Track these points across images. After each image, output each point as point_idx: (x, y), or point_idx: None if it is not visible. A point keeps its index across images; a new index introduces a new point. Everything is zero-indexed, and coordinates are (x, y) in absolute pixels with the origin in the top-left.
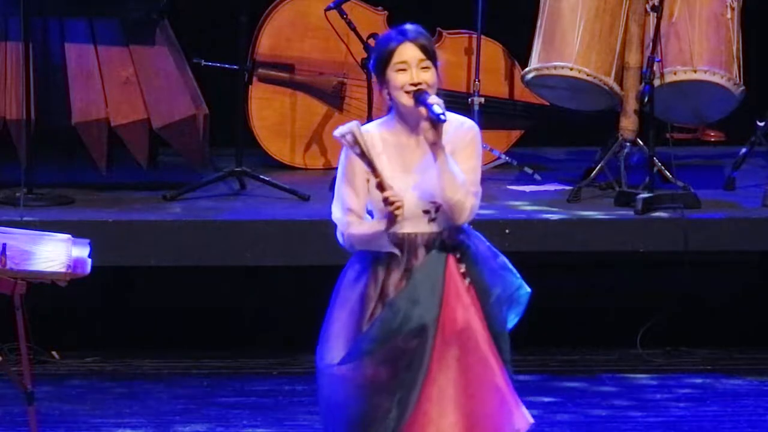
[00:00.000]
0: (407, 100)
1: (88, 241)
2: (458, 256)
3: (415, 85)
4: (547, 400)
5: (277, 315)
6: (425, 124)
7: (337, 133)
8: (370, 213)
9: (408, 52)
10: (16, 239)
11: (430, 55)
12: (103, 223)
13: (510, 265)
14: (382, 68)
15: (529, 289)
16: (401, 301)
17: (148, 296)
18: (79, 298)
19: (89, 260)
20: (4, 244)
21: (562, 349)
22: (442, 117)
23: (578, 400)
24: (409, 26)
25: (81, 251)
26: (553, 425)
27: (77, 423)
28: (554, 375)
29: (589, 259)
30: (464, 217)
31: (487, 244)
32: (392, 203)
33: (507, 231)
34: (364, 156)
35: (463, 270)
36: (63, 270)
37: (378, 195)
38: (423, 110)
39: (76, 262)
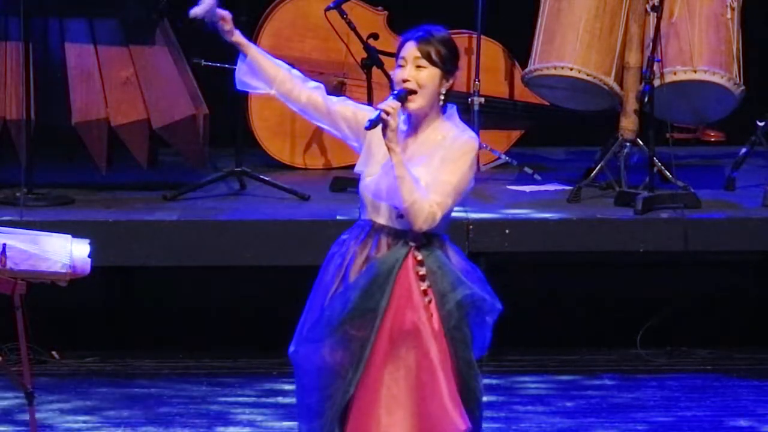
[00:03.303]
0: None
1: (88, 241)
2: (420, 258)
3: (405, 81)
4: (547, 400)
5: (276, 315)
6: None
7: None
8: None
9: (408, 50)
10: (16, 239)
11: (430, 57)
12: (103, 223)
13: (485, 282)
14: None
15: (500, 306)
16: (351, 291)
17: (148, 296)
18: (79, 298)
19: (89, 260)
20: (4, 244)
21: (562, 349)
22: (367, 122)
23: (578, 401)
24: (429, 27)
25: (81, 251)
26: (553, 425)
27: (77, 423)
28: (554, 375)
29: (589, 259)
30: (420, 222)
31: (464, 257)
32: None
33: (507, 231)
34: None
35: (423, 272)
36: (63, 270)
37: (362, 190)
38: None
39: (76, 262)
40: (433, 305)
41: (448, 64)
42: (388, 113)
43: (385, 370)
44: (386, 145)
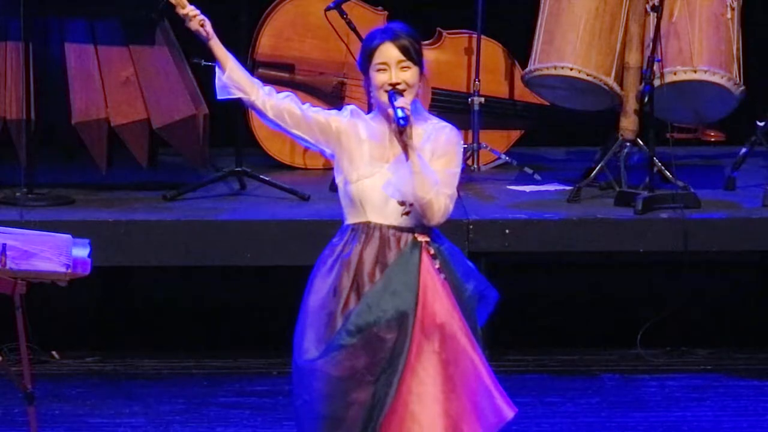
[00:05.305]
0: (384, 99)
1: (88, 241)
2: (432, 252)
3: (393, 85)
4: (547, 400)
5: (276, 315)
6: (394, 125)
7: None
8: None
9: (388, 53)
10: (16, 239)
11: (410, 55)
12: (103, 223)
13: (479, 273)
14: (365, 67)
15: (497, 295)
16: (376, 293)
17: (148, 296)
18: (79, 298)
19: (89, 260)
20: (4, 244)
21: (562, 349)
22: (401, 121)
23: (578, 400)
24: (394, 25)
25: (81, 251)
26: (553, 425)
27: (77, 423)
28: (554, 375)
29: (589, 259)
30: (436, 218)
31: (456, 249)
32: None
33: (507, 231)
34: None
35: (438, 265)
36: (63, 270)
37: (356, 193)
38: (390, 111)
39: (76, 262)
40: (452, 296)
41: (421, 57)
42: (408, 109)
43: (418, 365)
44: (405, 141)
